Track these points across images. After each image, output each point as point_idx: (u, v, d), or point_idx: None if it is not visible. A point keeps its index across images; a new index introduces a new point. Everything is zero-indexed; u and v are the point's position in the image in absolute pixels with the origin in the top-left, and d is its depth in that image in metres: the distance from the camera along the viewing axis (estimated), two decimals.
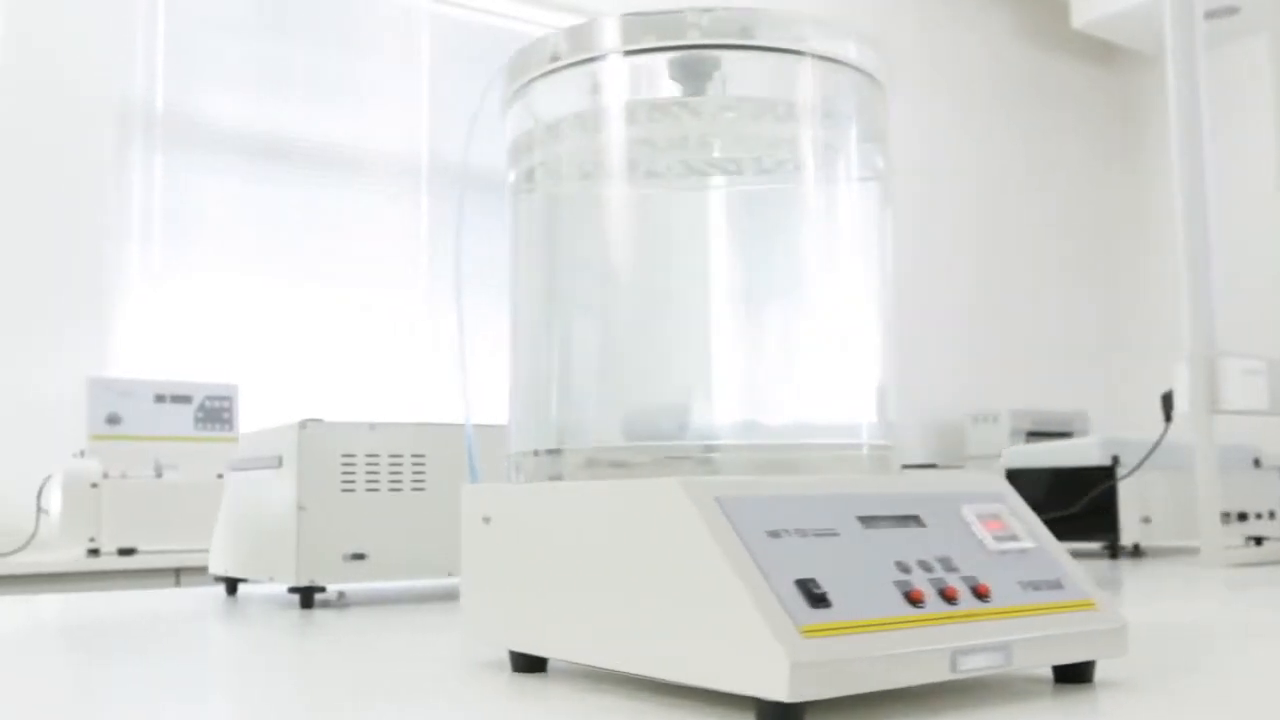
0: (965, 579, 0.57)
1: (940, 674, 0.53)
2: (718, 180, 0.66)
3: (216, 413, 2.48)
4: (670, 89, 0.68)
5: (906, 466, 1.66)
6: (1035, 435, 4.21)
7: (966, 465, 4.21)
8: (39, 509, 2.41)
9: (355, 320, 3.17)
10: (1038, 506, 1.84)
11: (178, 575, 2.29)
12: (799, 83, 0.68)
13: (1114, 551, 1.74)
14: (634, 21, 0.67)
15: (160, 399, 2.43)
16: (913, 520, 0.59)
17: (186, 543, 2.33)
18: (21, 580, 2.23)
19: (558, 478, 0.64)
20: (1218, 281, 1.54)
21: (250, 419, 2.65)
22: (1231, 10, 4.32)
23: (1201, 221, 1.55)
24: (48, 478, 2.39)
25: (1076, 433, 4.40)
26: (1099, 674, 0.63)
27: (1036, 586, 0.59)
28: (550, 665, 0.67)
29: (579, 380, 0.65)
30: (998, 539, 0.60)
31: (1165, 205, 4.26)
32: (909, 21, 4.53)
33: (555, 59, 0.68)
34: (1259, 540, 1.96)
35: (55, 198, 2.77)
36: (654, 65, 0.68)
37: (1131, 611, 0.99)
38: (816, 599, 0.51)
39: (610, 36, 0.67)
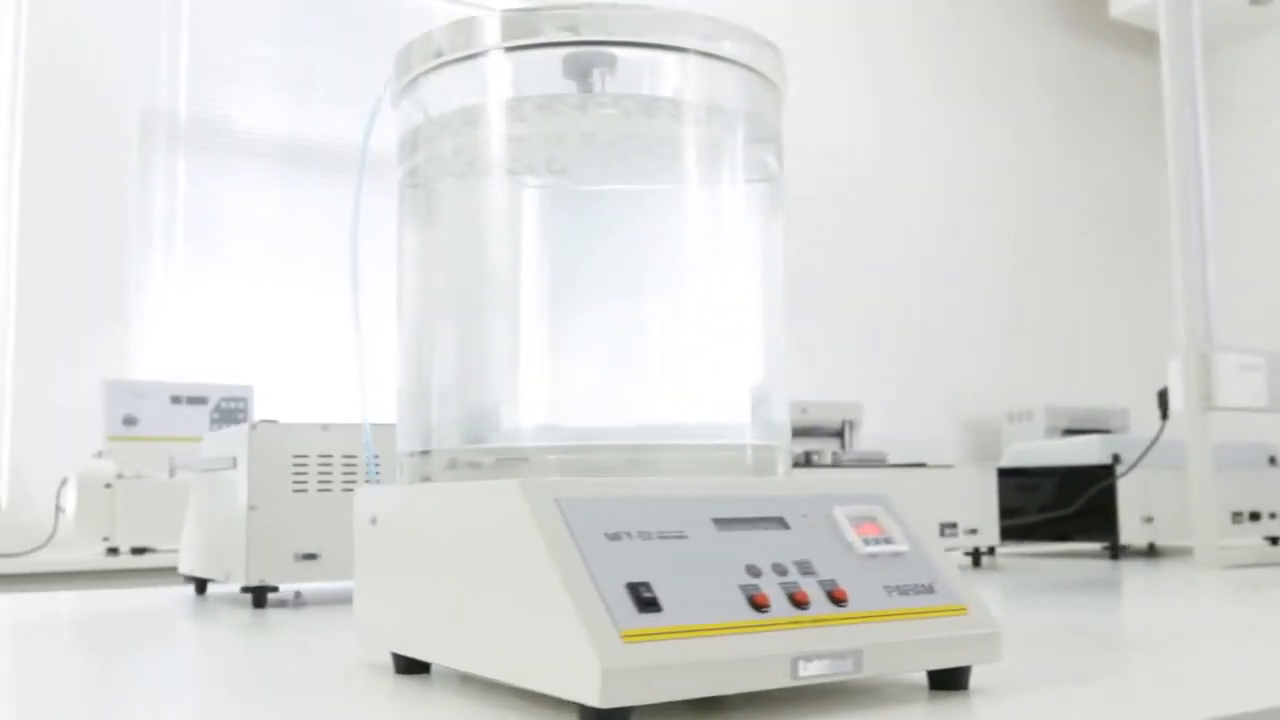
0: (823, 583, 0.55)
1: (779, 680, 0.51)
2: (593, 179, 0.65)
3: (232, 414, 2.51)
4: (555, 86, 0.67)
5: (899, 466, 1.63)
6: (1072, 433, 4.13)
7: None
8: (58, 508, 2.46)
9: (374, 323, 3.18)
10: (1038, 506, 1.81)
11: None
12: (684, 81, 0.67)
13: (1115, 551, 1.70)
14: (515, 17, 0.66)
15: (176, 400, 2.47)
16: (775, 522, 0.57)
17: None
18: (40, 578, 2.27)
19: (428, 479, 0.64)
20: (1214, 275, 1.50)
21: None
22: None
23: (1196, 213, 1.50)
24: (66, 478, 2.44)
25: (1116, 430, 4.31)
26: (989, 680, 0.61)
27: (904, 591, 0.58)
28: (434, 668, 0.67)
29: (442, 381, 0.64)
30: (868, 542, 0.59)
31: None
32: (944, 13, 4.47)
33: (439, 55, 0.68)
34: (1275, 540, 1.91)
35: (79, 202, 2.82)
36: (535, 61, 0.67)
37: (1076, 614, 0.96)
38: (645, 603, 0.50)
39: (491, 32, 0.66)
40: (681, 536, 0.54)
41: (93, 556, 2.35)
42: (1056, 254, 4.71)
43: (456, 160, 0.66)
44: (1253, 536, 1.84)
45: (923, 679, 0.61)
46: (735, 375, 0.64)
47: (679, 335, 0.63)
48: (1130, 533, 1.70)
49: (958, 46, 4.50)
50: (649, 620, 0.49)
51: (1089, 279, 4.79)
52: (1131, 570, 1.49)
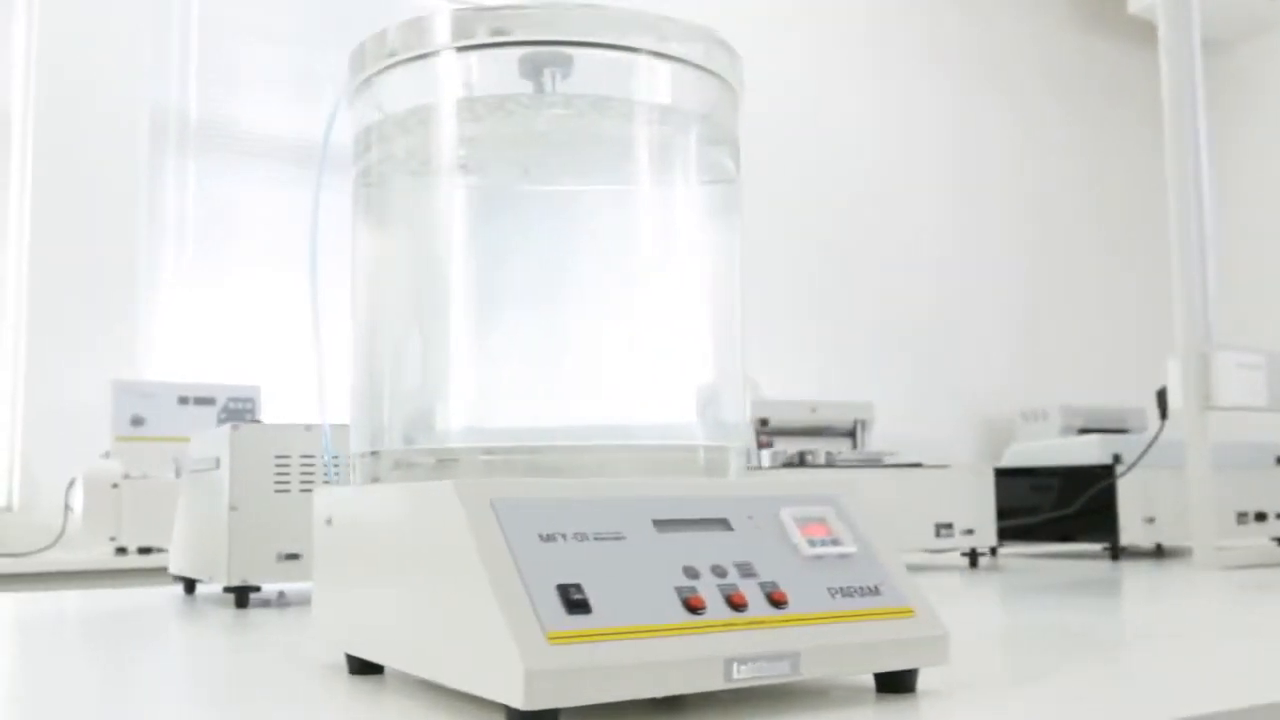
0: (763, 585, 0.55)
1: (713, 683, 0.51)
2: (545, 179, 0.65)
3: (239, 414, 2.52)
4: (510, 85, 0.67)
5: (894, 466, 1.62)
6: (1087, 432, 4.10)
7: None
8: (66, 508, 2.48)
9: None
10: (1038, 507, 1.79)
11: None
12: (637, 82, 0.66)
13: (1115, 552, 1.68)
14: (468, 16, 0.66)
15: (184, 401, 2.48)
16: (718, 524, 0.57)
17: None
18: (48, 577, 2.29)
19: (376, 480, 0.64)
20: (1213, 274, 1.48)
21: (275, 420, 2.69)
22: None
23: (1196, 212, 1.49)
24: (73, 478, 2.46)
25: (1133, 430, 4.27)
26: (939, 682, 0.61)
27: (849, 593, 0.57)
28: (387, 669, 0.66)
29: (391, 382, 0.64)
30: (813, 544, 0.58)
31: (1227, 194, 4.12)
32: (957, 10, 4.44)
33: (393, 54, 0.68)
34: None
35: (89, 202, 2.84)
36: (488, 61, 0.66)
37: (1061, 615, 0.95)
38: (575, 605, 0.50)
39: (443, 32, 0.66)
40: (619, 538, 0.54)
41: (101, 556, 2.36)
42: (1071, 252, 4.68)
43: (409, 160, 0.66)
44: (1259, 537, 1.82)
45: (871, 681, 0.61)
46: (683, 376, 0.63)
47: (626, 336, 0.62)
48: (1131, 533, 1.68)
49: (971, 44, 4.47)
50: (577, 622, 0.49)
51: (1104, 278, 4.75)
52: (1130, 571, 1.47)
